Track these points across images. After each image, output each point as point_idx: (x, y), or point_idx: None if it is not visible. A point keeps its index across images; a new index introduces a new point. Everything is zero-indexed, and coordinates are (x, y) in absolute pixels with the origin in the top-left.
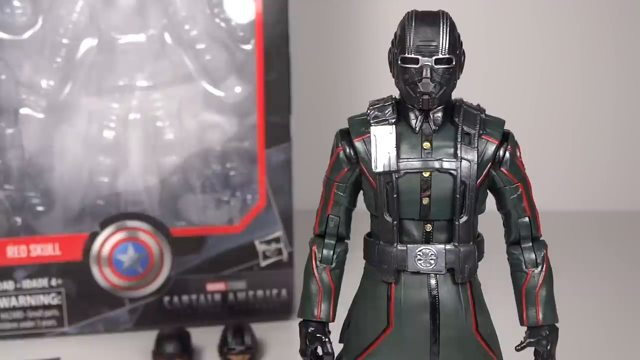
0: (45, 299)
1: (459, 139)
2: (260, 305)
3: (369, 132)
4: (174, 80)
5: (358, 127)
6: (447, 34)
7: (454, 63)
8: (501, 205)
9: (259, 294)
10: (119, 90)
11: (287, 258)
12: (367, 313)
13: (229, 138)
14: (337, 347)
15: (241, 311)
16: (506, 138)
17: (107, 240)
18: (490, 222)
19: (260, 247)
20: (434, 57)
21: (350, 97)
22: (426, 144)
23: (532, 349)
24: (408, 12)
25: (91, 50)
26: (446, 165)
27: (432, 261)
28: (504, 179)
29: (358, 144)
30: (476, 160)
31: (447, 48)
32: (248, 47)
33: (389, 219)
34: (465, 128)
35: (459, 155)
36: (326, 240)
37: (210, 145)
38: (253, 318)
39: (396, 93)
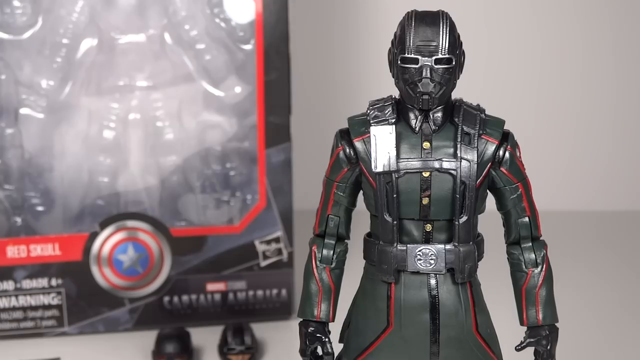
0: (45, 299)
1: (459, 139)
2: (260, 305)
3: (369, 132)
4: (174, 80)
5: (358, 127)
6: (447, 34)
7: (453, 63)
8: (501, 205)
9: (259, 294)
10: (119, 90)
11: (287, 258)
12: (367, 313)
13: (229, 138)
14: (337, 347)
15: (241, 311)
16: (506, 138)
17: (107, 240)
18: (490, 222)
19: (260, 247)
20: (433, 57)
21: (350, 97)
22: (426, 144)
23: (532, 349)
24: (408, 12)
25: (91, 50)
26: (446, 165)
27: (432, 261)
28: (504, 179)
29: (358, 144)
30: (476, 160)
31: (446, 48)
32: (248, 47)
33: (388, 219)
34: (465, 128)
35: (458, 155)
36: (326, 240)
37: (210, 145)
38: (253, 318)
39: (396, 93)
